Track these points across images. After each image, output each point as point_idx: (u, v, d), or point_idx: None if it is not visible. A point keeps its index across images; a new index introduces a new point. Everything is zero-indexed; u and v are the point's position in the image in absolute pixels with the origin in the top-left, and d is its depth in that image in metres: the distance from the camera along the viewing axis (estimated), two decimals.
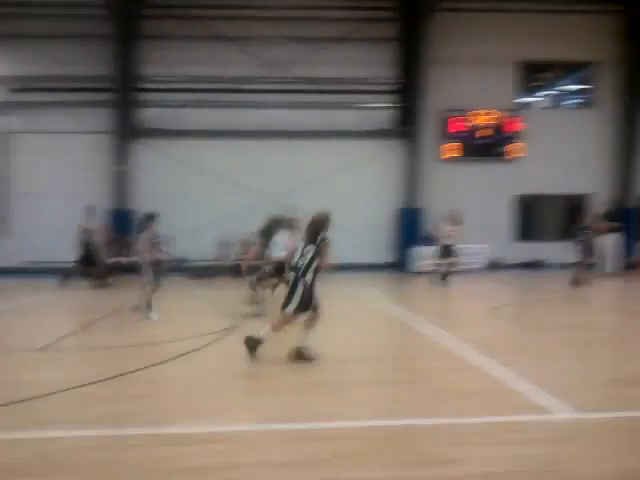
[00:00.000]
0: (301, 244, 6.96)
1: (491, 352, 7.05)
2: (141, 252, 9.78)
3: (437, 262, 15.17)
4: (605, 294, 14.26)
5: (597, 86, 20.63)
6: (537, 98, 21.51)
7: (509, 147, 20.07)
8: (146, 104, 19.01)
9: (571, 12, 19.72)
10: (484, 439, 4.37)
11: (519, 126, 19.96)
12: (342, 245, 16.90)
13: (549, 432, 4.48)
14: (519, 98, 20.62)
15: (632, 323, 9.76)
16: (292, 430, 4.59)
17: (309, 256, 6.71)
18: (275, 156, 19.19)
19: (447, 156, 19.97)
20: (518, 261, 19.82)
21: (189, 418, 4.88)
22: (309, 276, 6.68)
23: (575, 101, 21.61)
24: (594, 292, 13.81)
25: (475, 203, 19.68)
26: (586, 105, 21.00)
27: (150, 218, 9.97)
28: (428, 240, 17.60)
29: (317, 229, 6.84)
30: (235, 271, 15.57)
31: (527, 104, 20.93)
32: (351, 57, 19.19)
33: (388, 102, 19.82)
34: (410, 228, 19.42)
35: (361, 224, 18.96)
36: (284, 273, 8.82)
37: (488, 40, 19.66)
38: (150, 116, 18.97)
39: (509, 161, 20.11)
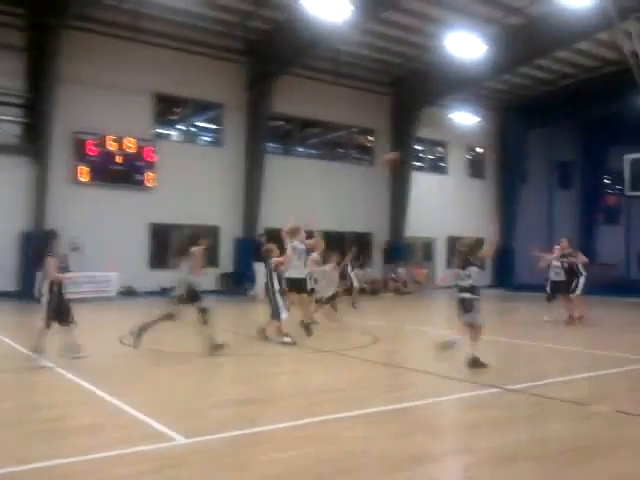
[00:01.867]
0: (458, 269, 7.98)
1: (110, 383, 6.78)
2: None
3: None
4: (243, 317, 15.18)
5: (225, 127, 22.29)
6: (172, 131, 22.26)
7: (144, 176, 20.19)
8: None
9: (203, 54, 21.06)
10: (93, 476, 4.10)
11: (154, 156, 20.26)
12: None
13: (161, 461, 4.41)
14: (155, 129, 21.01)
15: (255, 343, 10.51)
16: None
17: (476, 277, 7.87)
18: None
19: (81, 179, 19.13)
20: (152, 289, 19.87)
21: None
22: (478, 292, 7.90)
23: (206, 138, 23.02)
24: (228, 317, 14.55)
25: (110, 229, 19.25)
26: (216, 143, 22.49)
27: None
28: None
29: (470, 254, 8.00)
30: None
31: (163, 136, 21.47)
32: None
33: (13, 115, 18.13)
34: (37, 253, 17.88)
35: None
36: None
37: (126, 67, 19.64)
38: None
39: (144, 190, 20.22)
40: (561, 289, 13.50)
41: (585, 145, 32.43)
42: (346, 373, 7.89)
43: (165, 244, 21.06)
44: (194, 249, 8.97)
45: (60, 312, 7.92)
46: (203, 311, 8.70)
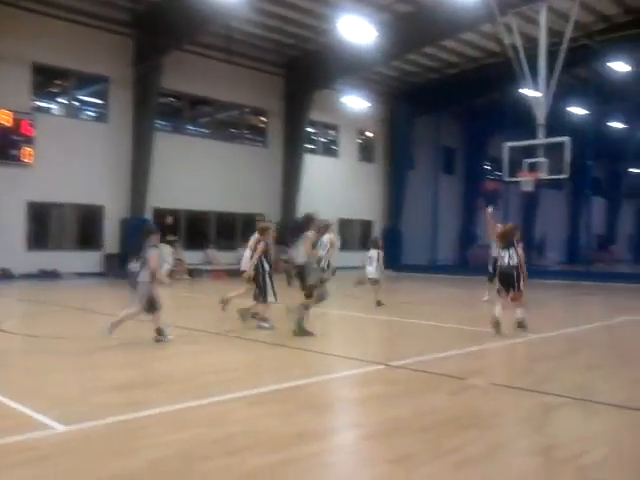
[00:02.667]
0: (500, 250, 9.56)
1: None
2: None
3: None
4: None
5: (111, 102, 21.30)
6: (53, 105, 21.02)
7: (21, 151, 18.96)
8: None
9: (87, 25, 19.99)
10: None
11: (32, 131, 19.06)
12: None
13: (38, 451, 4.19)
14: (34, 101, 19.75)
15: (144, 327, 10.21)
16: None
17: (516, 256, 9.29)
18: None
19: None
20: (30, 271, 18.83)
21: None
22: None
23: (91, 113, 21.92)
24: (115, 300, 14.03)
25: None
26: (101, 119, 21.46)
27: None
28: None
29: (512, 237, 9.45)
30: None
31: (42, 109, 20.23)
32: None
33: None
34: None
35: None
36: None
37: (2, 34, 18.28)
38: None
39: (21, 166, 19.00)
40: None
41: (468, 132, 33.98)
42: (235, 354, 7.85)
43: (45, 224, 19.96)
44: (308, 234, 9.16)
45: None
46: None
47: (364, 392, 6.01)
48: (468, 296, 15.94)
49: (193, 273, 20.43)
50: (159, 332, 8.26)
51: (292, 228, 9.54)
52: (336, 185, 27.88)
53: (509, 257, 9.36)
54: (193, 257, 21.54)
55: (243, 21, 21.23)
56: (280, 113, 25.85)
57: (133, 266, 8.22)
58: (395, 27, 21.25)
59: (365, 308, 12.68)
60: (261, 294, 9.56)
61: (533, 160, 17.24)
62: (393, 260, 28.78)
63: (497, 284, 9.61)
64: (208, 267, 21.74)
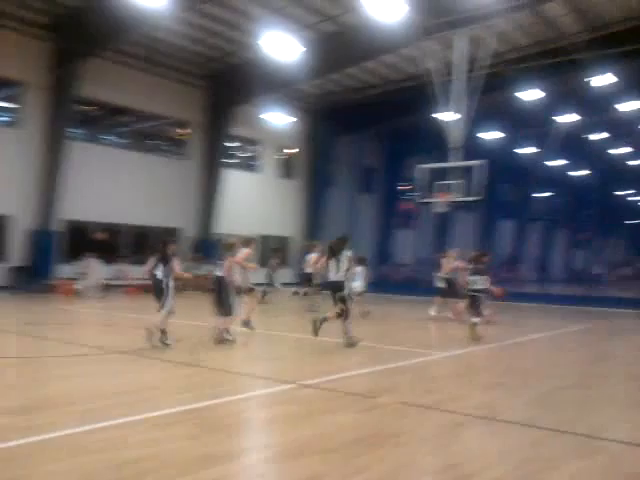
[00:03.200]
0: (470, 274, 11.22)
1: None
2: None
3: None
4: (36, 315, 13.97)
5: (25, 107, 20.40)
6: None
7: None
8: None
9: (4, 27, 19.19)
10: None
11: None
12: None
13: None
14: None
15: (43, 345, 9.76)
16: None
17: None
18: None
19: None
20: None
21: None
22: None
23: (2, 118, 20.90)
24: (19, 314, 13.30)
25: None
26: (13, 124, 20.51)
27: None
28: None
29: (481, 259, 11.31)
30: None
31: None
32: None
33: None
34: None
35: None
36: None
37: None
38: None
39: None
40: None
41: (388, 153, 34.65)
42: (142, 374, 7.62)
43: None
44: (348, 253, 9.93)
45: None
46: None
47: (273, 412, 5.97)
48: (383, 314, 16.18)
49: (106, 288, 19.70)
50: (164, 332, 9.07)
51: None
52: (255, 201, 27.78)
53: (477, 281, 10.98)
54: (106, 272, 20.82)
55: (167, 31, 20.91)
56: (201, 126, 25.58)
57: (158, 273, 8.88)
58: (319, 46, 21.50)
59: (284, 326, 12.64)
60: (225, 308, 9.86)
61: (446, 182, 17.79)
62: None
63: (467, 303, 11.26)
64: (121, 282, 21.06)
